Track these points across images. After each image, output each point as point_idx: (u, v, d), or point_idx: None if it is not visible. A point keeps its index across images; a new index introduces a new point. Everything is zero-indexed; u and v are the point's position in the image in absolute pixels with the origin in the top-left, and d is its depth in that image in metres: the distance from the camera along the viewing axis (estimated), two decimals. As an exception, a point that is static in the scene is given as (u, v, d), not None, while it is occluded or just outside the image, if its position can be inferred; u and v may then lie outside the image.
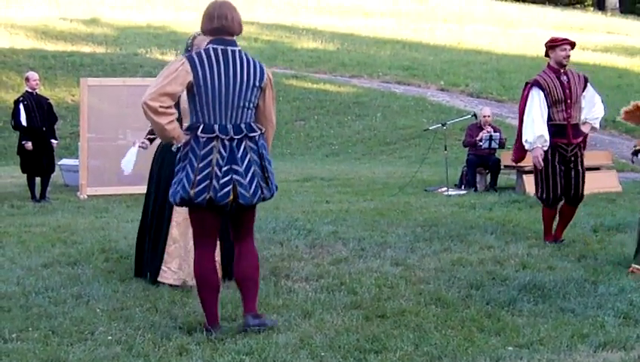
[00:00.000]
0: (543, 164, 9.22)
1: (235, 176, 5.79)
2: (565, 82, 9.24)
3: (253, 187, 5.85)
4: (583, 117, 9.44)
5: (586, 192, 13.75)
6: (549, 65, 9.40)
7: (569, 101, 9.22)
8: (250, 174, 5.82)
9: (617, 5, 57.16)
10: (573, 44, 9.41)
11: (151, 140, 8.04)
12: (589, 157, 16.40)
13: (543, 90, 9.19)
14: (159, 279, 7.55)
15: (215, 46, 5.92)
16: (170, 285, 7.43)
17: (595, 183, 14.70)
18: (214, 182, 5.76)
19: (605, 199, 13.52)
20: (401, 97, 30.14)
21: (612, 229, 10.13)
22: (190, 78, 5.78)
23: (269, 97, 6.07)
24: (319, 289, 7.24)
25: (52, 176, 15.35)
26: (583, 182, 9.47)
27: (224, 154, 5.79)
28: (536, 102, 9.20)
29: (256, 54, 24.85)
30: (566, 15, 50.81)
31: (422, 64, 35.07)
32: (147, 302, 6.86)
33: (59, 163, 16.80)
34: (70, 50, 33.42)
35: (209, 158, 5.78)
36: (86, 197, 15.09)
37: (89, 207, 13.54)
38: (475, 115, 17.45)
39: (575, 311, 6.48)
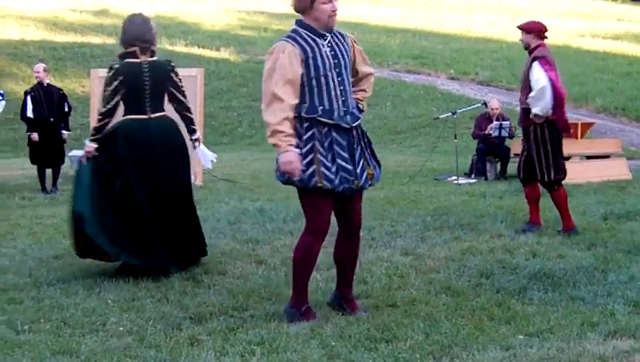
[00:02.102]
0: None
1: None
2: (524, 65, 9.33)
3: None
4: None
5: (596, 180, 13.90)
6: None
7: (520, 85, 9.37)
8: None
9: (627, -8, 56.95)
10: (523, 29, 9.21)
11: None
12: (599, 145, 16.52)
13: None
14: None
15: None
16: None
17: (604, 171, 14.73)
18: None
19: (615, 187, 13.49)
20: (411, 86, 30.11)
21: (622, 217, 10.09)
22: None
23: None
24: (330, 278, 7.23)
25: (62, 167, 15.39)
26: (541, 167, 9.15)
27: None
28: None
29: (267, 44, 24.80)
30: (576, 3, 50.62)
31: (432, 53, 35.03)
32: (158, 292, 6.88)
33: (69, 154, 16.83)
34: (80, 41, 33.50)
35: None
36: (96, 188, 15.10)
37: (100, 198, 13.57)
38: (485, 104, 17.42)
39: (585, 300, 6.48)
